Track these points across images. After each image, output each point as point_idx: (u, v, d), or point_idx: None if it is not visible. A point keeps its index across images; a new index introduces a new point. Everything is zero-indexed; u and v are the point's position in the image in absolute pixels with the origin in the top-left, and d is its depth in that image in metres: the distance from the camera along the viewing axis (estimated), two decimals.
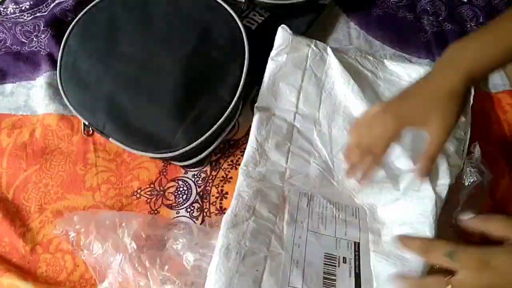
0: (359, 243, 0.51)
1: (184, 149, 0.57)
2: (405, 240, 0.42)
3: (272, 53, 0.63)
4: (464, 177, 0.54)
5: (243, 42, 0.61)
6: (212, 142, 0.59)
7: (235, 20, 0.63)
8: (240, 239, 0.49)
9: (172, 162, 0.62)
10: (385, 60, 0.66)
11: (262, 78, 0.62)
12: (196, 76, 0.60)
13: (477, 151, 0.55)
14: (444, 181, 0.52)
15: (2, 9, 0.81)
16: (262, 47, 0.63)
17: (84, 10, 0.69)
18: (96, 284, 0.55)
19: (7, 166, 0.65)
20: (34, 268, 0.58)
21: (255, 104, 0.60)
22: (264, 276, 0.47)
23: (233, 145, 0.63)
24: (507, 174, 0.58)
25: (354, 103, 0.60)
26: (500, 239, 0.39)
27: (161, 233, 0.55)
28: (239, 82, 0.60)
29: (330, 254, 0.50)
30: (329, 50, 0.65)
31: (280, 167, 0.56)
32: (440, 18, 0.74)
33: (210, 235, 0.53)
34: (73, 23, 0.68)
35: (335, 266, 0.49)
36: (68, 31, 0.67)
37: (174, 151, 0.57)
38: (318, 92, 0.62)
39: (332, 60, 0.62)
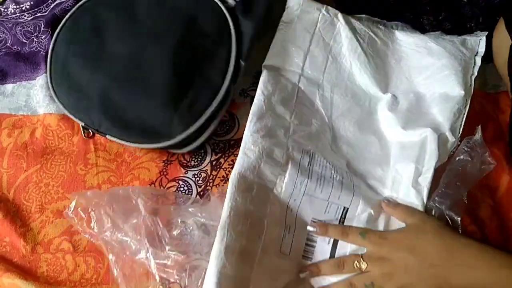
0: (348, 209, 0.52)
1: (181, 136, 0.58)
2: (327, 226, 0.51)
3: (283, 16, 0.63)
4: (455, 153, 0.54)
5: (229, 25, 0.62)
6: (208, 126, 0.60)
7: (218, 5, 0.64)
8: (246, 203, 0.49)
9: (172, 150, 0.63)
10: (396, 31, 0.66)
11: (256, 65, 0.63)
12: (186, 65, 0.61)
13: (478, 133, 0.54)
14: (427, 171, 0.52)
15: (2, 9, 0.81)
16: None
17: (68, 14, 0.69)
18: (97, 284, 0.55)
19: (7, 166, 0.65)
20: (35, 268, 0.58)
21: (263, 63, 0.61)
22: (264, 242, 0.49)
23: (233, 145, 0.64)
24: (507, 174, 0.59)
25: (359, 72, 0.61)
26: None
27: (168, 207, 0.56)
28: (229, 64, 0.61)
29: (316, 219, 0.52)
30: (340, 16, 0.64)
31: (285, 121, 0.57)
32: (440, 18, 0.74)
33: (217, 205, 0.53)
34: (57, 29, 0.69)
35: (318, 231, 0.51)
36: (54, 38, 0.68)
37: (172, 139, 0.58)
38: (324, 57, 0.62)
39: (342, 26, 0.63)
